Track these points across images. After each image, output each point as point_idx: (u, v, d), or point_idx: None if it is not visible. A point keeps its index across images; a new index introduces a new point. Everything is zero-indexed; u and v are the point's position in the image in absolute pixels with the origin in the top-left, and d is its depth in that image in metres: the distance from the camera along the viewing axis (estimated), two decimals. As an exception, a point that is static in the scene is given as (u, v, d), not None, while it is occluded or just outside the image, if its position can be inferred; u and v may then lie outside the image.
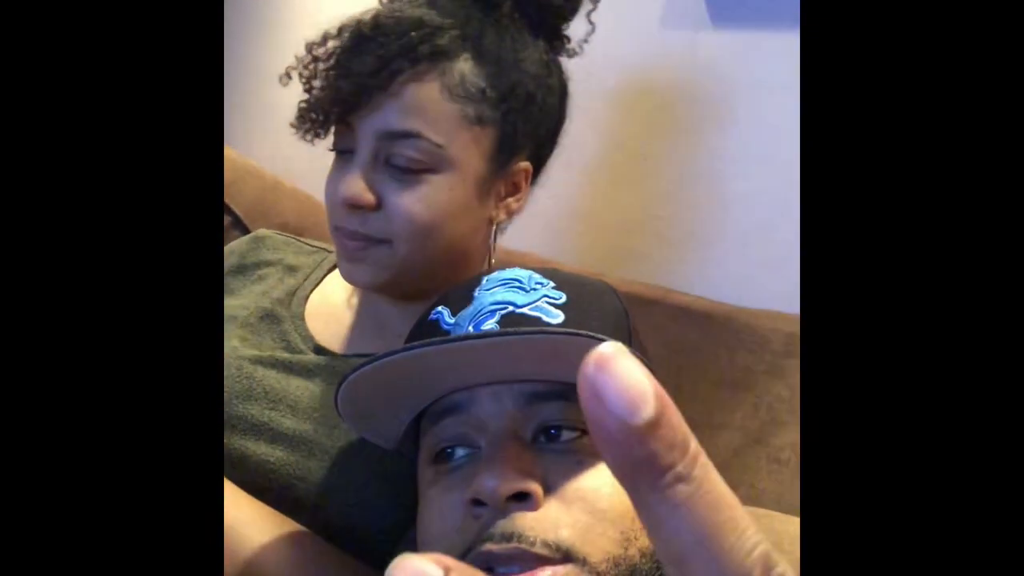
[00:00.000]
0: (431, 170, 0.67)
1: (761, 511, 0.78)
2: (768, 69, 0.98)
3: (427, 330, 0.56)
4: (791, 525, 0.75)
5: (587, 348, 0.48)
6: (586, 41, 0.78)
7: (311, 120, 0.71)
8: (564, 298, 0.53)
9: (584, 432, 0.50)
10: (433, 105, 0.66)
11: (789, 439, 0.87)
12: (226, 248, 0.85)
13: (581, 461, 0.49)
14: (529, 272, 0.55)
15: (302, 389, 0.69)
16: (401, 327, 0.66)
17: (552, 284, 0.54)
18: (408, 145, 0.66)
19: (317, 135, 0.72)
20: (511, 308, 0.52)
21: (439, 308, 0.56)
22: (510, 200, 0.74)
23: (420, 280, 0.72)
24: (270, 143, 1.43)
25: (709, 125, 1.04)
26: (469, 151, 0.68)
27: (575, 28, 0.78)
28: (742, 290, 0.97)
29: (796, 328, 0.90)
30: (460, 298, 0.55)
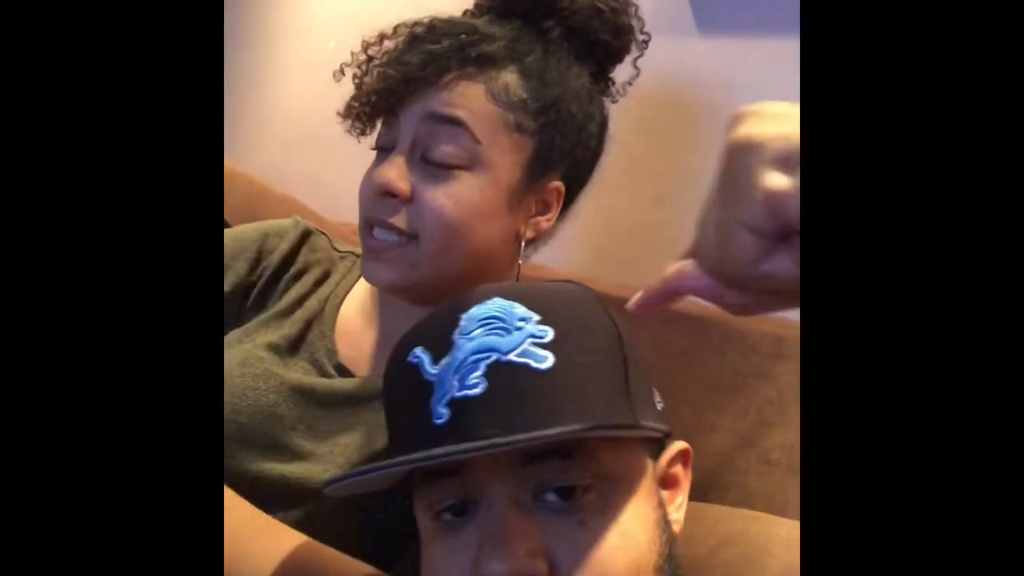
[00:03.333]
0: (465, 168, 0.69)
1: (751, 513, 0.79)
2: (755, 75, 0.99)
3: (407, 378, 0.53)
4: (781, 527, 0.76)
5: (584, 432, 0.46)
6: (630, 84, 0.81)
7: (358, 110, 0.73)
8: (551, 335, 0.50)
9: (586, 489, 0.49)
10: (477, 103, 0.69)
11: (778, 440, 0.87)
12: (268, 225, 0.82)
13: (584, 522, 0.48)
14: (510, 304, 0.51)
15: (320, 409, 0.70)
16: None
17: (537, 318, 0.51)
18: (449, 135, 0.68)
19: (363, 127, 0.74)
20: (496, 356, 0.49)
21: (417, 351, 0.52)
22: (540, 219, 0.75)
23: (444, 287, 0.72)
24: (258, 152, 1.43)
25: (696, 131, 1.04)
26: (505, 156, 0.70)
27: (620, 72, 0.81)
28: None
29: (783, 331, 0.90)
30: (438, 341, 0.52)
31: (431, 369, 0.51)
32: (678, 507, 0.56)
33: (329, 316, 0.77)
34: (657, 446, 0.56)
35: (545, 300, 0.52)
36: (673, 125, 1.07)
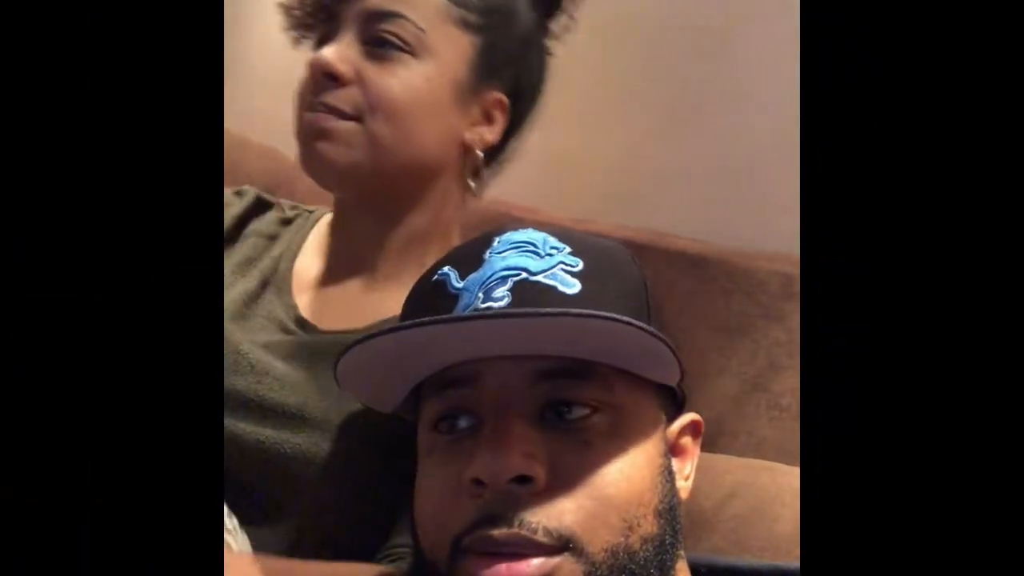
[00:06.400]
0: (411, 53, 0.69)
1: (760, 462, 0.77)
2: (756, 4, 0.95)
3: (432, 292, 0.53)
4: (792, 477, 0.73)
5: (604, 328, 0.48)
6: (568, 31, 0.80)
7: (298, 9, 0.72)
8: (580, 265, 0.51)
9: (595, 410, 0.48)
10: None
11: (789, 384, 0.85)
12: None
13: (588, 442, 0.48)
14: (544, 235, 0.53)
15: (287, 365, 0.68)
16: (383, 301, 0.67)
17: (568, 249, 0.52)
18: (391, 24, 0.68)
19: (304, 30, 0.73)
20: (524, 275, 0.50)
21: (445, 268, 0.53)
22: (484, 129, 0.74)
23: (389, 184, 0.70)
24: (240, 96, 1.37)
25: (699, 57, 1.00)
26: (450, 47, 0.70)
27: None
28: (738, 231, 0.94)
29: (794, 269, 0.87)
30: (469, 259, 0.53)
31: (457, 283, 0.52)
32: (686, 477, 0.55)
33: (284, 272, 0.75)
34: (671, 410, 0.55)
35: (577, 238, 0.54)
36: (675, 51, 1.02)
